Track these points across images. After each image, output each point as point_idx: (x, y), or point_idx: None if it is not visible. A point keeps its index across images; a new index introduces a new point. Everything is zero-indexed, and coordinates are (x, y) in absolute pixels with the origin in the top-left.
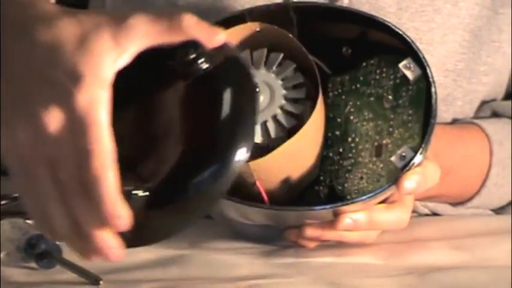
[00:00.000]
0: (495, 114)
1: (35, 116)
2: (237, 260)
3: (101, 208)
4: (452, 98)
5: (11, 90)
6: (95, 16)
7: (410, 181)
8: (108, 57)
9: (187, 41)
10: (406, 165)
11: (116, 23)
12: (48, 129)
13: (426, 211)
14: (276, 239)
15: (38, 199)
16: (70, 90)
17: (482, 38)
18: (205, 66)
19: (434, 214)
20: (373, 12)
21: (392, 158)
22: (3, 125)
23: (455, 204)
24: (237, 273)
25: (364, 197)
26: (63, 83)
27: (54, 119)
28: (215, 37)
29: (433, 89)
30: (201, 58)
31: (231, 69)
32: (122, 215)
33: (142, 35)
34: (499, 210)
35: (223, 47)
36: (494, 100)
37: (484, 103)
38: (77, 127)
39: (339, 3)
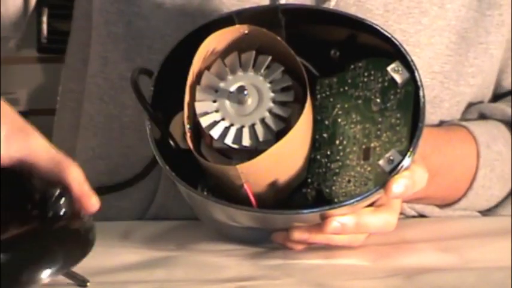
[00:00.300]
0: (482, 116)
1: None
2: (224, 262)
3: None
4: (440, 100)
5: None
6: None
7: (398, 185)
8: None
9: (62, 183)
10: (394, 169)
11: (21, 124)
12: None
13: (413, 213)
14: (264, 241)
15: None
16: None
17: (469, 39)
18: (58, 212)
19: (422, 216)
20: (360, 14)
21: (380, 162)
22: None
23: (442, 206)
24: (224, 275)
25: (351, 201)
26: None
27: None
28: (89, 201)
29: (421, 93)
30: (59, 202)
31: (74, 236)
32: None
33: (30, 146)
34: (486, 212)
35: (86, 213)
36: (481, 102)
37: (471, 105)
38: None
39: (325, 5)
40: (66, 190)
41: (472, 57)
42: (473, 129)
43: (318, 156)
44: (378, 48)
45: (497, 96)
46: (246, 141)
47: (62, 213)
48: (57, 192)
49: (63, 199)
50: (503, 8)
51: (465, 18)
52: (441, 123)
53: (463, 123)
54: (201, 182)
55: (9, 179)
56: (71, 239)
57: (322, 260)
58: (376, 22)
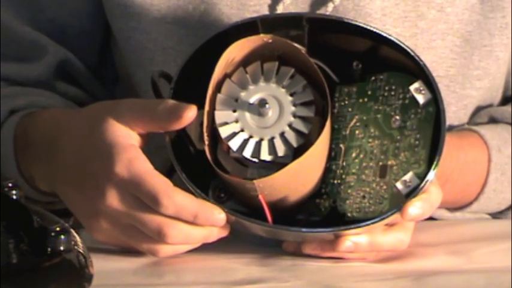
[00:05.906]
0: (493, 120)
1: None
2: (233, 264)
3: None
4: (446, 103)
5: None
6: None
7: (415, 208)
8: None
9: (63, 225)
10: (411, 193)
11: None
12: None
13: None
14: (276, 245)
15: None
16: None
17: (474, 42)
18: (56, 248)
19: (431, 219)
20: (359, 19)
21: (397, 184)
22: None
23: (453, 209)
24: (233, 278)
25: (367, 223)
26: None
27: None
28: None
29: (442, 117)
30: (59, 239)
31: (71, 272)
32: None
33: None
34: (496, 215)
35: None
36: (490, 105)
37: (480, 108)
38: None
39: (322, 10)
40: (65, 228)
41: (477, 60)
42: (484, 133)
43: (333, 167)
44: (399, 62)
45: (507, 99)
46: (265, 155)
47: (60, 249)
48: (58, 228)
49: (62, 236)
50: (506, 11)
51: (468, 21)
52: (449, 127)
53: (474, 127)
54: (213, 182)
55: (13, 210)
56: (67, 275)
57: (331, 261)
58: (374, 26)
